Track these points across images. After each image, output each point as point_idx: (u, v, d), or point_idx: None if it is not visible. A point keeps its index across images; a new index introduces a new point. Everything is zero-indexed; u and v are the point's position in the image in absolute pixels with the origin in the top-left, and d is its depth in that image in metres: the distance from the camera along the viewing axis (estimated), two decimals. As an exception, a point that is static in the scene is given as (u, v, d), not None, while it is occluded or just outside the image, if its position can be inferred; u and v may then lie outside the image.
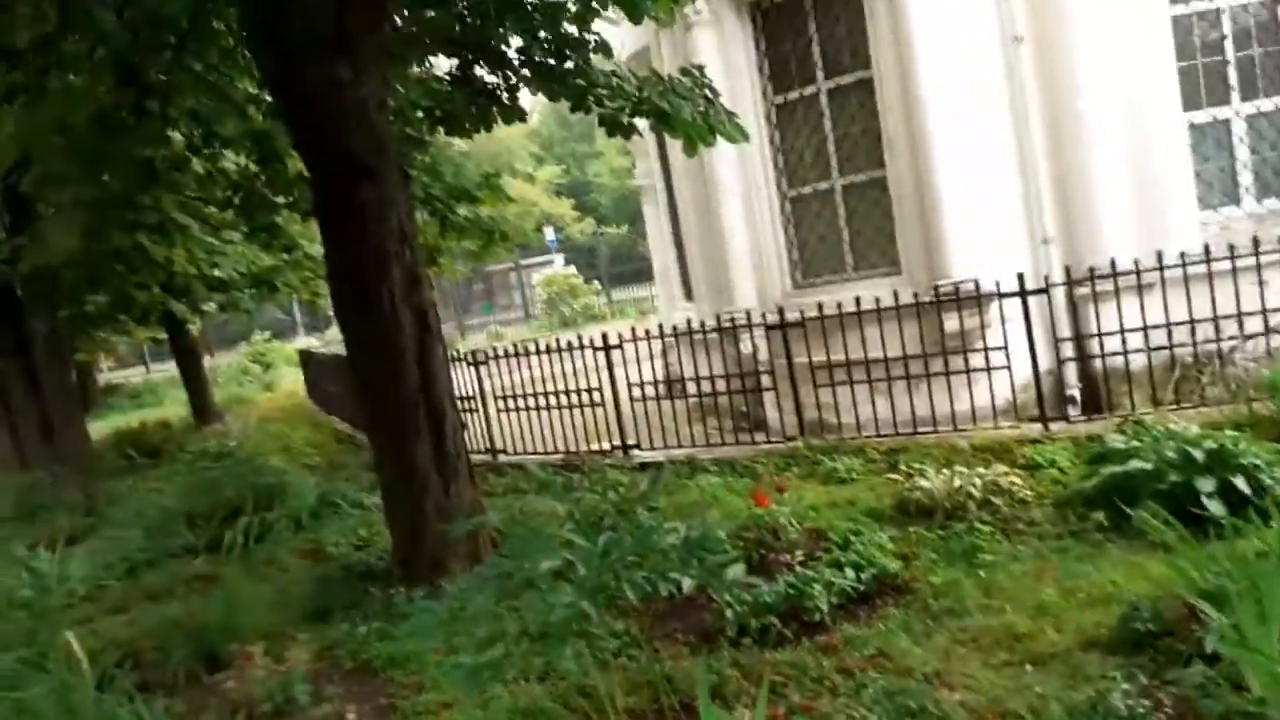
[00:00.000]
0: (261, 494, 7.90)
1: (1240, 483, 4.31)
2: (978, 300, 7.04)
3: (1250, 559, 3.15)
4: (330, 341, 24.47)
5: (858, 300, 7.14)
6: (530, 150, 42.97)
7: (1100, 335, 6.88)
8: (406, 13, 5.25)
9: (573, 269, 30.36)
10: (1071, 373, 7.38)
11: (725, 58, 8.51)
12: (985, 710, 3.09)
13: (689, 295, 10.58)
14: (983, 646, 3.61)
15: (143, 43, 5.18)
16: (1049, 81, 7.57)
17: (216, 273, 12.10)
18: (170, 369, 24.80)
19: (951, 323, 7.19)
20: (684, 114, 5.84)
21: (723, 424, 8.20)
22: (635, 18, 5.60)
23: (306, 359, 17.32)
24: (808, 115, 8.53)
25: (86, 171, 5.36)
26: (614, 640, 3.96)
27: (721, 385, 8.02)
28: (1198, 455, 4.49)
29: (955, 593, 4.09)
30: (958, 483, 5.07)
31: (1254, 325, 6.56)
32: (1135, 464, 4.65)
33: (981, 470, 5.30)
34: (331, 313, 29.09)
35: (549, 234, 35.08)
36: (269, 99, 6.96)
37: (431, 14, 5.24)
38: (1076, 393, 7.38)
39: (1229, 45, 7.67)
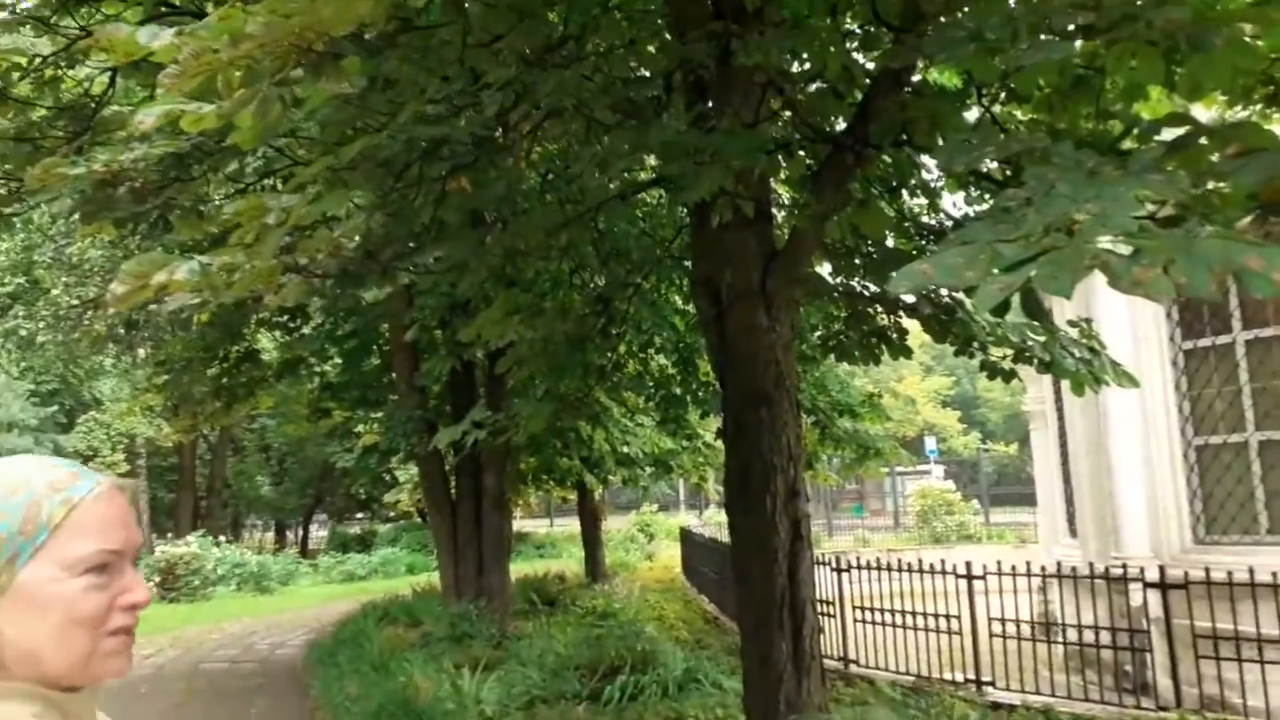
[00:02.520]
0: (637, 658, 8.78)
1: None
2: None
3: None
4: (708, 520, 26.08)
5: (1275, 574, 6.59)
6: (921, 361, 43.18)
7: None
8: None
9: (951, 484, 29.54)
10: None
11: (1133, 298, 8.57)
12: None
13: (1073, 531, 10.22)
14: None
15: (613, 280, 6.74)
16: None
17: (625, 450, 13.95)
18: (569, 524, 27.89)
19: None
20: (1067, 364, 6.15)
21: (1101, 680, 7.77)
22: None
23: (685, 536, 18.71)
24: (1221, 364, 8.24)
25: (555, 374, 6.94)
26: None
27: (1104, 638, 7.63)
28: None
29: None
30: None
31: None
32: None
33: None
34: (711, 495, 30.70)
35: (929, 444, 34.60)
36: (691, 311, 8.42)
37: (835, 277, 6.19)
38: None
39: None
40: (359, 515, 33.57)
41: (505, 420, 7.44)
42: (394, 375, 12.72)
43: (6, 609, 1.01)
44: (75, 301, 11.58)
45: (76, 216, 6.05)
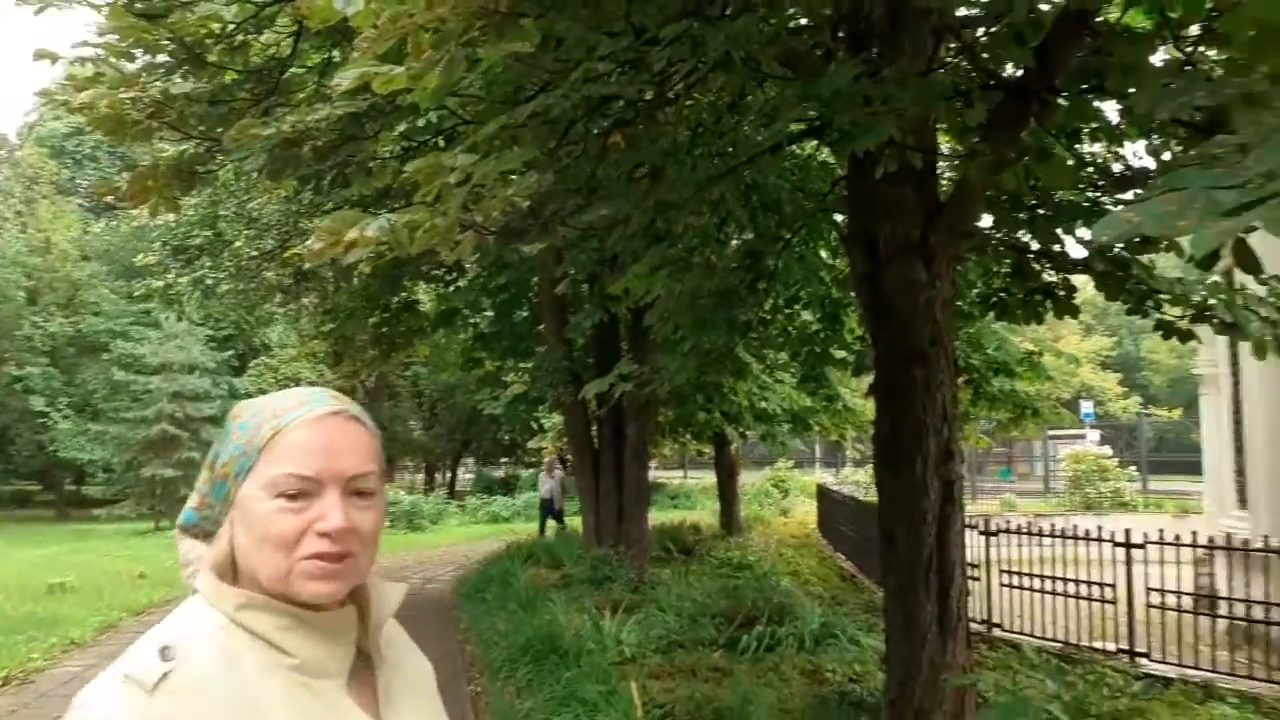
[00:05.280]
0: (773, 609, 8.86)
1: None
2: None
3: None
4: (844, 480, 25.78)
5: None
6: (1082, 320, 40.98)
7: None
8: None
9: (1107, 449, 28.10)
10: None
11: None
12: None
13: (1242, 503, 9.64)
14: None
15: (763, 234, 6.69)
16: None
17: (764, 405, 13.93)
18: (705, 477, 28.12)
19: None
20: (1251, 327, 5.74)
21: (1269, 658, 7.36)
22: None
23: (823, 494, 18.59)
24: None
25: (702, 328, 6.97)
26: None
27: (1274, 614, 7.23)
28: None
29: None
30: None
31: None
32: None
33: None
34: (849, 453, 30.27)
35: (1086, 407, 32.94)
36: (840, 266, 8.26)
37: (997, 230, 5.94)
38: None
39: None
40: (504, 460, 34.81)
41: (650, 373, 7.54)
42: (542, 327, 13.08)
43: (236, 520, 1.13)
44: (255, 253, 12.37)
45: (256, 174, 6.44)
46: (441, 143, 5.35)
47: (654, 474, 33.87)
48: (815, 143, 6.73)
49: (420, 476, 35.69)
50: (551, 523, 17.55)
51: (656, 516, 20.53)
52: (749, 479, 28.88)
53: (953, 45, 3.84)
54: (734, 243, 6.91)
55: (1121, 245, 6.17)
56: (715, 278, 6.48)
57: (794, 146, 6.88)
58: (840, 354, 9.42)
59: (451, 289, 13.85)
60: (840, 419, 14.80)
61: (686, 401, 12.61)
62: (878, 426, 5.90)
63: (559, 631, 8.04)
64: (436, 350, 18.47)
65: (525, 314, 14.07)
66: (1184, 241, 8.72)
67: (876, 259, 5.40)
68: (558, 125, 3.86)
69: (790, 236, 6.52)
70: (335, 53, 6.53)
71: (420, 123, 5.02)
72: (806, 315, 9.18)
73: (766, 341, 9.41)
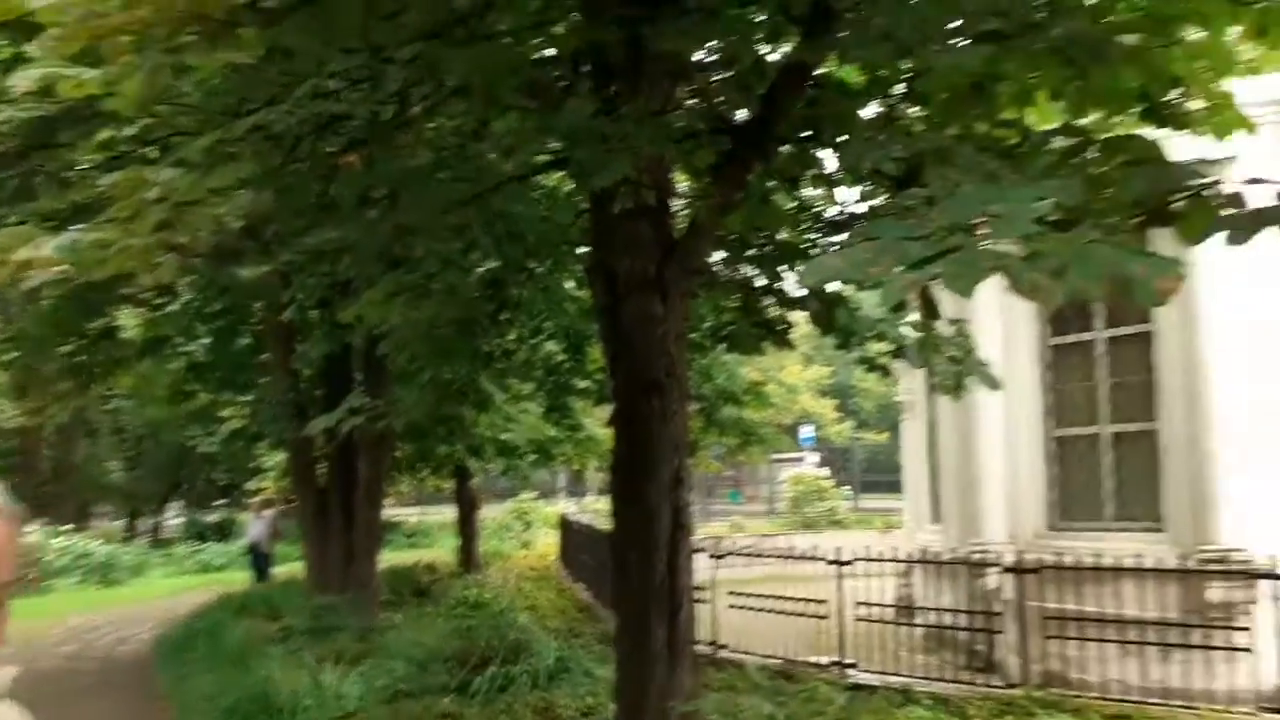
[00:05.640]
0: (508, 648, 8.66)
1: None
2: (1248, 573, 6.83)
3: None
4: (586, 508, 26.12)
5: (1117, 558, 7.08)
6: (802, 350, 44.27)
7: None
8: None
9: (825, 470, 30.56)
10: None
11: (1005, 294, 9.01)
12: None
13: (937, 518, 10.70)
14: None
15: (508, 262, 6.65)
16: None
17: (507, 437, 13.80)
18: (444, 512, 27.40)
19: (1215, 593, 6.99)
20: (938, 366, 6.44)
21: (956, 659, 8.19)
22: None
23: (564, 524, 18.67)
24: (1082, 360, 8.77)
25: (441, 359, 6.80)
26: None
27: (961, 619, 8.06)
28: None
29: None
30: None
31: None
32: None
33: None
34: (592, 482, 30.65)
35: (806, 432, 35.64)
36: (585, 298, 8.39)
37: (726, 267, 6.29)
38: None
39: None
40: (219, 502, 32.09)
41: (385, 407, 7.25)
42: (266, 356, 12.18)
43: None
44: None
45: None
46: (155, 154, 4.86)
47: (389, 512, 32.63)
48: (562, 174, 6.81)
49: (121, 523, 32.07)
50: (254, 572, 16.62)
51: (390, 557, 19.69)
52: (491, 512, 28.50)
53: (688, 89, 4.02)
54: (478, 271, 6.81)
55: (832, 287, 6.76)
56: (456, 306, 6.35)
57: (540, 176, 6.94)
58: (584, 384, 9.57)
59: (160, 314, 12.57)
60: (584, 448, 15.00)
61: (426, 435, 12.21)
62: (616, 455, 6.00)
63: (273, 690, 7.43)
64: (142, 381, 16.66)
65: (247, 342, 13.05)
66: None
67: (616, 292, 5.52)
68: (283, 141, 3.61)
69: (535, 266, 6.53)
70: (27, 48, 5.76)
71: (128, 131, 4.53)
72: (551, 345, 9.24)
73: (510, 371, 9.34)
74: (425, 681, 8.23)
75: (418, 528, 28.30)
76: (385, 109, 4.04)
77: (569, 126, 3.14)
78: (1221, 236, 2.32)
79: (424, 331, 6.67)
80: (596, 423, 13.79)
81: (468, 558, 17.59)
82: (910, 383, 12.64)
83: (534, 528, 25.56)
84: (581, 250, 6.99)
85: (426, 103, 3.68)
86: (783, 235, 5.68)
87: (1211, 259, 7.42)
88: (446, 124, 5.36)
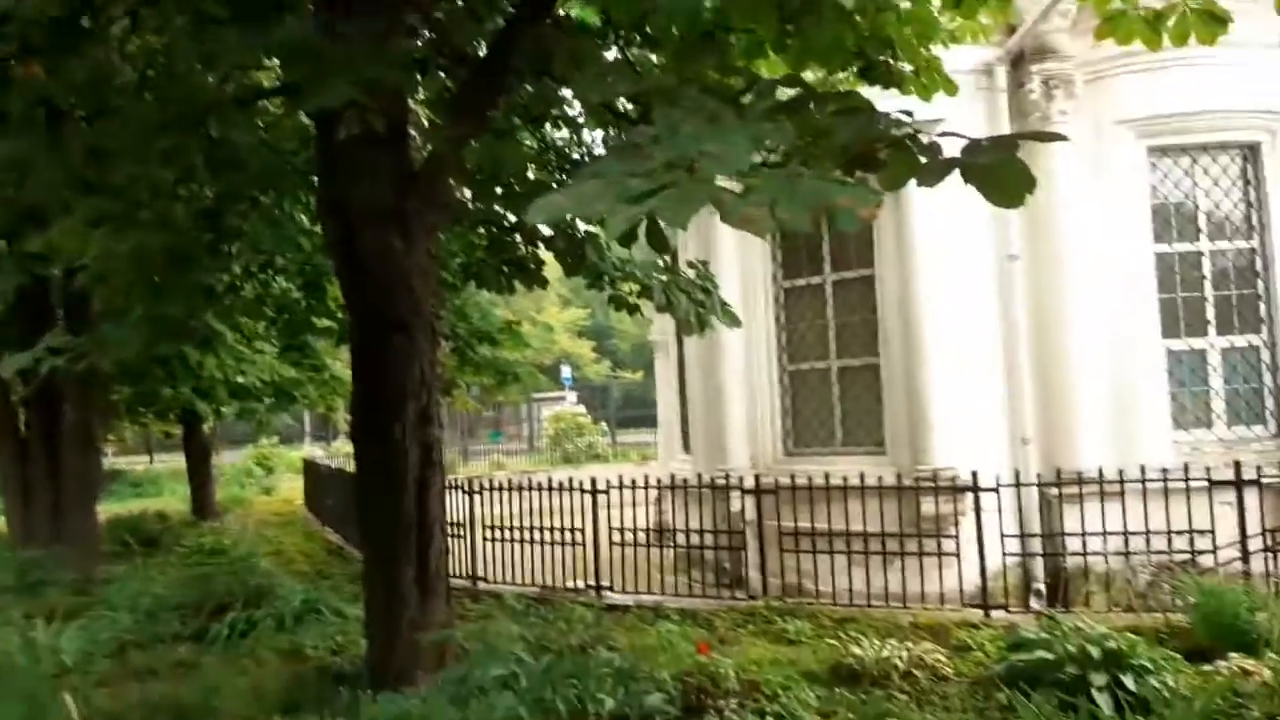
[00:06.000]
0: (250, 593, 8.33)
1: (1129, 681, 4.86)
2: (955, 488, 7.70)
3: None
4: (335, 453, 25.14)
5: (844, 479, 7.75)
6: (559, 292, 44.62)
7: (1063, 535, 7.51)
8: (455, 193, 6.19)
9: (583, 408, 31.22)
10: (1039, 567, 7.93)
11: (743, 240, 9.44)
12: None
13: (687, 448, 11.22)
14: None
15: (229, 192, 6.11)
16: (1039, 297, 8.44)
17: (241, 379, 12.89)
18: (174, 460, 25.42)
19: (928, 506, 7.82)
20: (681, 306, 6.69)
21: (705, 577, 8.69)
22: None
23: (309, 468, 17.89)
24: (813, 301, 9.42)
25: (154, 295, 6.18)
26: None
27: (708, 540, 8.54)
28: (1095, 652, 5.05)
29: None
30: (885, 653, 5.61)
31: (1205, 542, 7.10)
32: (1040, 654, 5.20)
33: (910, 645, 5.84)
34: (340, 425, 29.52)
35: (565, 371, 36.17)
36: (320, 232, 7.92)
37: (474, 201, 6.15)
38: (1042, 586, 7.91)
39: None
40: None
41: (89, 345, 6.53)
42: (-56, 291, 10.58)
43: None
44: None
45: None
46: None
47: (113, 460, 29.84)
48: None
49: None
50: None
51: (114, 507, 18.13)
52: (228, 459, 26.76)
53: (416, 15, 3.82)
54: (193, 200, 6.23)
55: (581, 227, 6.80)
56: (167, 236, 5.77)
57: (266, 103, 6.40)
58: (325, 323, 9.07)
59: None
60: (328, 389, 14.30)
61: (145, 377, 11.13)
62: (355, 395, 5.77)
63: (-26, 652, 6.66)
64: None
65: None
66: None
67: (350, 224, 5.25)
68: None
69: (259, 196, 6.05)
70: None
71: None
72: (284, 282, 8.66)
73: (239, 309, 8.68)
74: (156, 630, 7.87)
75: (146, 476, 26.04)
76: (80, 14, 3.56)
77: (282, 44, 2.89)
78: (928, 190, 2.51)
79: (131, 264, 6.04)
80: (342, 364, 13.19)
81: (202, 505, 16.43)
82: (662, 323, 13.10)
83: (277, 473, 24.29)
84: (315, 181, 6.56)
85: (118, 8, 3.25)
86: (532, 175, 5.62)
87: (925, 214, 8.29)
88: (151, 40, 4.82)
